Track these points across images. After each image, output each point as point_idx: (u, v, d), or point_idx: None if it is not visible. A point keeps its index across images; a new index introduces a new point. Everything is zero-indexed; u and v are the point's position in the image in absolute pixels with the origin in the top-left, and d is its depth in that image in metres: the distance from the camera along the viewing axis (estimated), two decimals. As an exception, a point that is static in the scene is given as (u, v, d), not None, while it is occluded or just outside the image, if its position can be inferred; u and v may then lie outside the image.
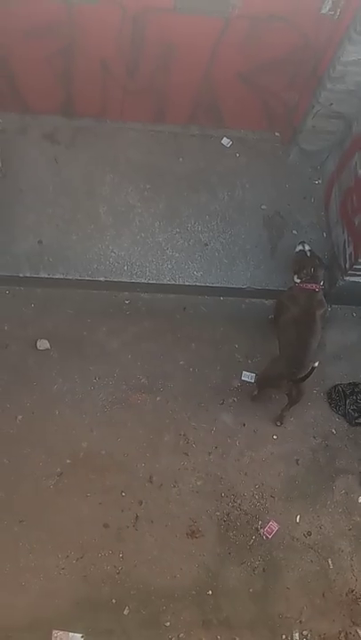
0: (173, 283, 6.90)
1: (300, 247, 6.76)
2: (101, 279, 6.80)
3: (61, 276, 6.75)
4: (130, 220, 7.02)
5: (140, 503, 6.24)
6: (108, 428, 6.44)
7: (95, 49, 6.54)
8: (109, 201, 7.06)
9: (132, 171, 7.22)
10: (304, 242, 6.79)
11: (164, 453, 6.46)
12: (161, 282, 6.88)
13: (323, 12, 6.22)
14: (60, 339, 6.65)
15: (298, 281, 6.58)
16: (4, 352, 6.53)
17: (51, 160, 7.12)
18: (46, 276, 6.75)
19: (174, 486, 6.36)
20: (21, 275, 6.72)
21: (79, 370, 6.59)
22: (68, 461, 6.29)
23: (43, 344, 6.60)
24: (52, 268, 6.76)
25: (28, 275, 6.73)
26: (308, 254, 6.69)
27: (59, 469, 6.25)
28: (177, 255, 6.92)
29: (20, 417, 6.35)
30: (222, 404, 6.70)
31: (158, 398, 6.63)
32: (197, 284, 6.93)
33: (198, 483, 6.40)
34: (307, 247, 6.74)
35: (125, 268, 6.82)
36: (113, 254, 6.88)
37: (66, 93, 7.04)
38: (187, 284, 6.91)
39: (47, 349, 6.60)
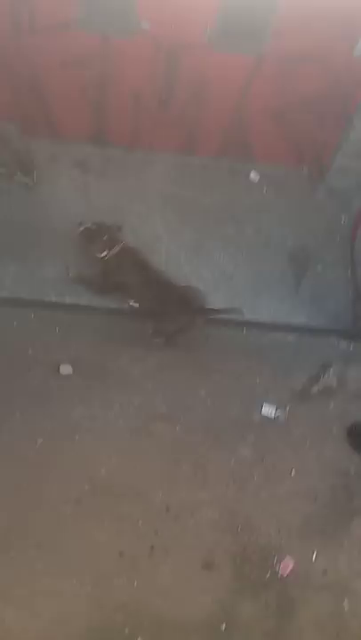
0: (197, 313, 6.92)
1: (81, 228, 6.80)
2: (126, 306, 6.83)
3: (87, 302, 6.79)
4: (156, 250, 7.08)
5: (156, 533, 6.20)
6: (127, 456, 6.42)
7: (128, 81, 6.66)
8: (137, 230, 7.12)
9: (160, 201, 7.30)
10: (81, 222, 6.83)
11: (182, 484, 6.42)
12: (185, 312, 6.91)
13: (356, 54, 6.31)
14: (83, 364, 6.66)
15: (104, 254, 6.65)
16: (26, 375, 6.55)
17: (80, 188, 7.21)
18: (72, 301, 6.79)
19: (191, 517, 6.31)
20: (47, 299, 6.78)
21: (101, 396, 6.59)
22: (86, 487, 6.26)
23: (66, 369, 6.62)
24: (77, 293, 6.80)
25: (53, 299, 6.79)
26: (94, 227, 6.77)
27: (76, 495, 6.22)
28: (202, 287, 6.94)
29: (40, 441, 6.35)
30: (242, 436, 6.67)
31: (178, 428, 6.61)
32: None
33: (215, 515, 6.35)
34: (87, 224, 6.80)
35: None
36: (140, 282, 6.92)
37: (98, 123, 7.15)
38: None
39: (70, 374, 6.62)
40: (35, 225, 6.96)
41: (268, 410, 6.76)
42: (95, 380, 6.64)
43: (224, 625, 5.99)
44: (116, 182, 7.28)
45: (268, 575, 6.23)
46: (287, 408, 6.81)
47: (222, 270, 7.10)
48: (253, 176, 7.56)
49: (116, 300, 6.80)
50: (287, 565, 6.27)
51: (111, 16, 5.96)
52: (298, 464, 6.65)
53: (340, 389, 6.57)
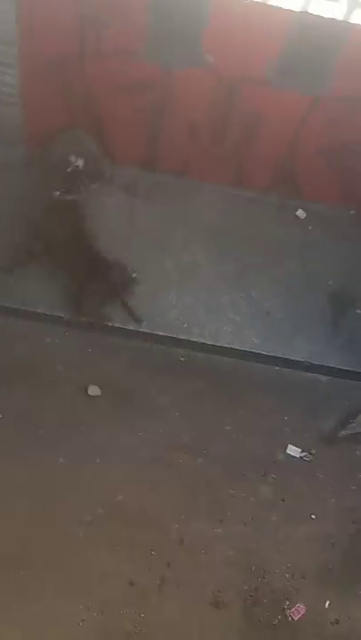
0: (231, 346, 6.89)
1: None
2: (160, 333, 6.82)
3: (120, 325, 6.79)
4: (195, 278, 7.07)
5: (169, 565, 6.13)
6: (146, 484, 6.37)
7: (185, 111, 6.69)
8: (178, 257, 7.12)
9: (203, 230, 7.29)
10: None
11: (199, 517, 6.36)
12: (218, 344, 6.88)
13: None
14: (112, 387, 6.66)
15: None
16: (55, 392, 6.55)
17: (127, 210, 7.23)
18: (107, 322, 6.79)
19: (205, 552, 6.23)
20: (84, 319, 6.77)
21: (126, 421, 6.57)
22: (100, 511, 6.22)
23: (94, 390, 6.61)
24: (112, 316, 6.80)
25: (89, 320, 6.78)
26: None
27: (90, 518, 6.19)
28: (238, 319, 6.92)
29: (61, 459, 6.34)
30: (263, 475, 6.59)
31: (200, 460, 6.56)
32: (255, 350, 6.91)
33: (229, 552, 6.27)
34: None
35: (185, 325, 6.84)
36: (174, 310, 6.91)
37: (150, 149, 7.19)
38: (244, 349, 6.89)
39: (97, 396, 6.61)
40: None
41: (293, 450, 6.67)
42: (122, 405, 6.62)
43: (228, 667, 5.91)
44: (162, 207, 7.29)
45: (279, 619, 6.13)
46: (313, 451, 6.71)
47: (260, 305, 7.06)
48: (300, 213, 7.53)
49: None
50: (299, 611, 6.16)
51: (176, 47, 6.00)
52: (318, 509, 6.54)
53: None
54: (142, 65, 6.18)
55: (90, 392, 6.61)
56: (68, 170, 7.06)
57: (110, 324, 6.77)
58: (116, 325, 6.77)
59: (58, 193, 6.92)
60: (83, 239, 6.67)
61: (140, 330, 6.79)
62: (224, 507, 6.42)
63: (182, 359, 6.90)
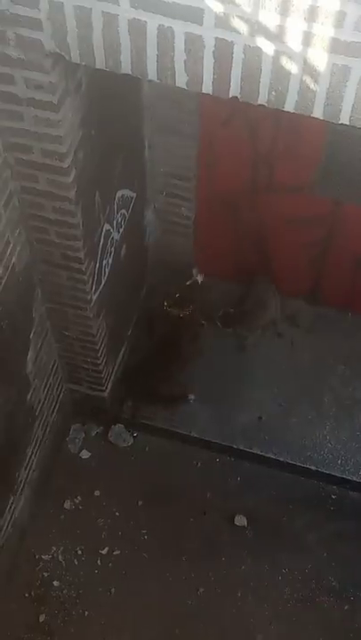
0: (386, 488, 6.60)
1: (219, 313, 7.10)
2: (312, 468, 6.66)
3: (273, 456, 6.71)
4: (353, 415, 6.91)
5: None
6: (288, 626, 6.09)
7: (352, 244, 6.74)
8: (336, 391, 7.02)
9: (365, 366, 7.18)
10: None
11: (342, 669, 5.96)
12: (374, 484, 6.62)
13: None
14: (259, 519, 6.52)
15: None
16: (201, 519, 6.51)
17: (288, 341, 7.27)
18: (259, 452, 6.74)
19: None
20: (235, 446, 6.77)
21: (270, 556, 6.38)
22: (238, 650, 5.99)
23: (240, 520, 6.51)
24: (266, 445, 6.75)
25: (241, 447, 6.77)
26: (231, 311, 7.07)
27: (230, 658, 5.96)
28: None
29: (201, 590, 6.22)
30: None
31: (346, 607, 6.20)
32: None
33: None
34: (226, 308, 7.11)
35: (339, 461, 6.65)
36: (329, 445, 6.75)
37: (314, 281, 7.26)
38: None
39: (244, 526, 6.49)
40: (238, 371, 7.07)
41: None
42: (268, 538, 6.45)
43: None
44: (324, 341, 7.27)
45: None
46: None
47: None
48: None
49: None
50: None
51: (346, 184, 6.12)
52: None
53: None
54: (312, 199, 6.34)
55: (236, 522, 6.50)
56: (188, 283, 7.33)
57: (259, 453, 6.70)
58: (265, 454, 6.69)
59: (166, 304, 7.19)
60: None
61: (292, 462, 6.66)
62: (371, 662, 6.00)
63: (333, 497, 6.66)
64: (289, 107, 3.26)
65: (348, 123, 3.20)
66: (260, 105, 3.33)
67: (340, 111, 3.18)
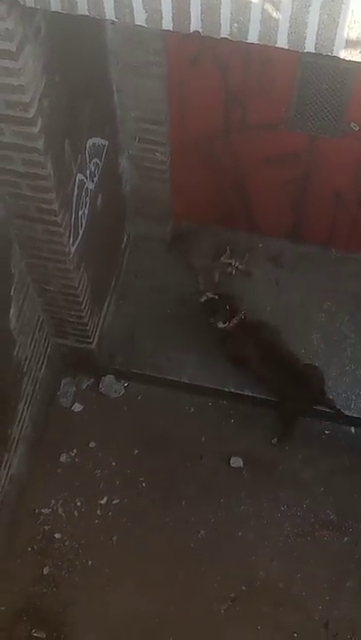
0: (379, 420, 6.64)
1: (204, 297, 6.69)
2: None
3: (265, 397, 6.73)
4: (341, 350, 6.92)
5: (311, 649, 5.88)
6: (289, 561, 6.19)
7: (331, 179, 6.66)
8: (323, 328, 7.02)
9: (350, 301, 7.16)
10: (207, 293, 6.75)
11: (345, 600, 6.07)
12: (365, 416, 6.66)
13: None
14: (255, 459, 6.57)
15: (224, 325, 6.40)
16: (197, 464, 6.56)
17: (272, 282, 7.24)
18: (250, 393, 6.76)
19: (351, 638, 5.92)
20: (227, 389, 6.79)
21: (269, 494, 6.45)
22: (243, 588, 6.09)
23: (236, 461, 6.56)
24: (257, 386, 6.75)
25: (232, 390, 6.78)
26: (217, 297, 6.56)
27: (233, 594, 6.06)
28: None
29: (202, 532, 6.29)
30: None
31: (346, 539, 6.30)
32: None
33: (378, 640, 5.92)
34: (210, 295, 6.65)
35: (331, 397, 6.66)
36: (319, 381, 6.76)
37: (296, 219, 7.19)
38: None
39: (240, 467, 6.54)
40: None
41: None
42: (265, 477, 6.52)
43: None
44: (307, 278, 7.24)
45: None
46: None
47: None
48: None
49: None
50: None
51: (320, 118, 6.03)
52: None
53: None
54: (287, 136, 6.24)
55: (232, 463, 6.55)
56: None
57: (251, 394, 6.72)
58: (257, 396, 6.71)
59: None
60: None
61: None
62: (372, 590, 6.11)
63: (327, 432, 6.71)
64: (252, 38, 3.17)
65: (313, 50, 3.12)
66: (223, 38, 3.24)
67: (305, 39, 3.09)
